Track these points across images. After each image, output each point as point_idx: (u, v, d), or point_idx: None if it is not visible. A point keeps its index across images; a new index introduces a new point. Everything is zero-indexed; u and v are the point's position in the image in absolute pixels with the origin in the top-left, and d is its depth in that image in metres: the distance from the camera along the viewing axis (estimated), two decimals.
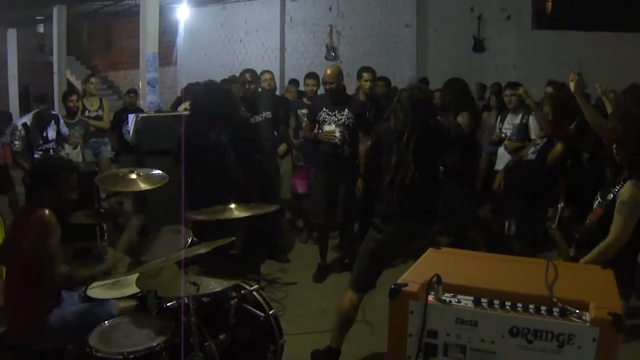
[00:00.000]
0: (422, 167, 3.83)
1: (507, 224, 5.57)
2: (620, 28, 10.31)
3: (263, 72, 7.25)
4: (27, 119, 6.85)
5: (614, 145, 3.70)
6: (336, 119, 5.69)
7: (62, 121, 7.12)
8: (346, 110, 5.68)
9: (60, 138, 7.05)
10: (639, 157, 3.55)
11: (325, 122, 5.72)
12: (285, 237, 7.16)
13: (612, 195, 3.55)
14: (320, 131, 5.76)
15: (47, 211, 3.19)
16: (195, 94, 5.97)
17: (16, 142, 6.71)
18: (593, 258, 3.42)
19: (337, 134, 5.66)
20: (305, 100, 7.33)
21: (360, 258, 4.03)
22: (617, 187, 3.54)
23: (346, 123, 5.66)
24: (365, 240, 4.05)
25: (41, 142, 6.78)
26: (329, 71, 5.79)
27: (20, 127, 6.71)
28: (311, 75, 7.43)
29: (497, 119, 6.95)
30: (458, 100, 5.78)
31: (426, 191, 3.90)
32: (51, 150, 6.82)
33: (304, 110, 6.90)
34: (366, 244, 4.00)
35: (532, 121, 6.20)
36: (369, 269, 3.96)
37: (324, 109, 5.75)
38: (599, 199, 3.68)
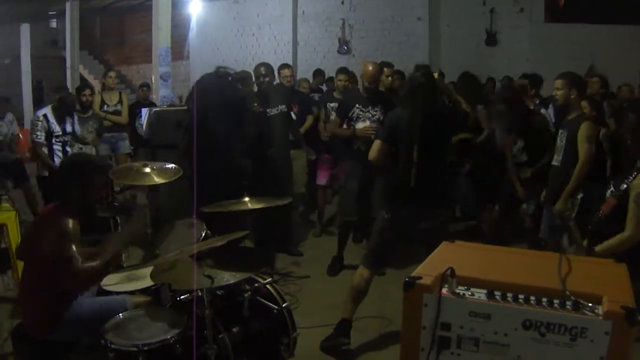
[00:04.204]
0: (428, 151, 3.92)
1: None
2: (633, 21, 10.22)
3: (282, 67, 7.18)
4: (47, 110, 6.68)
5: (630, 135, 3.69)
6: (370, 116, 5.64)
7: (76, 118, 6.88)
8: (379, 106, 5.63)
9: (73, 136, 6.78)
10: None
11: (360, 118, 5.67)
12: (298, 230, 7.17)
13: (625, 186, 3.52)
14: (353, 127, 5.73)
15: (71, 221, 3.14)
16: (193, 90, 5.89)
17: (38, 133, 6.51)
18: (610, 248, 3.38)
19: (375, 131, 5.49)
20: (335, 94, 7.22)
21: (372, 237, 4.28)
22: (631, 177, 3.51)
23: (380, 119, 5.53)
24: (376, 221, 4.27)
25: (60, 133, 6.59)
26: (370, 68, 5.66)
27: (41, 118, 6.54)
28: (342, 71, 7.38)
29: None
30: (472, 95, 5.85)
31: (432, 174, 3.99)
32: (68, 143, 6.64)
33: (333, 104, 6.89)
34: (376, 223, 4.22)
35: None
36: (378, 246, 4.17)
37: (357, 105, 5.70)
38: (612, 189, 3.65)
